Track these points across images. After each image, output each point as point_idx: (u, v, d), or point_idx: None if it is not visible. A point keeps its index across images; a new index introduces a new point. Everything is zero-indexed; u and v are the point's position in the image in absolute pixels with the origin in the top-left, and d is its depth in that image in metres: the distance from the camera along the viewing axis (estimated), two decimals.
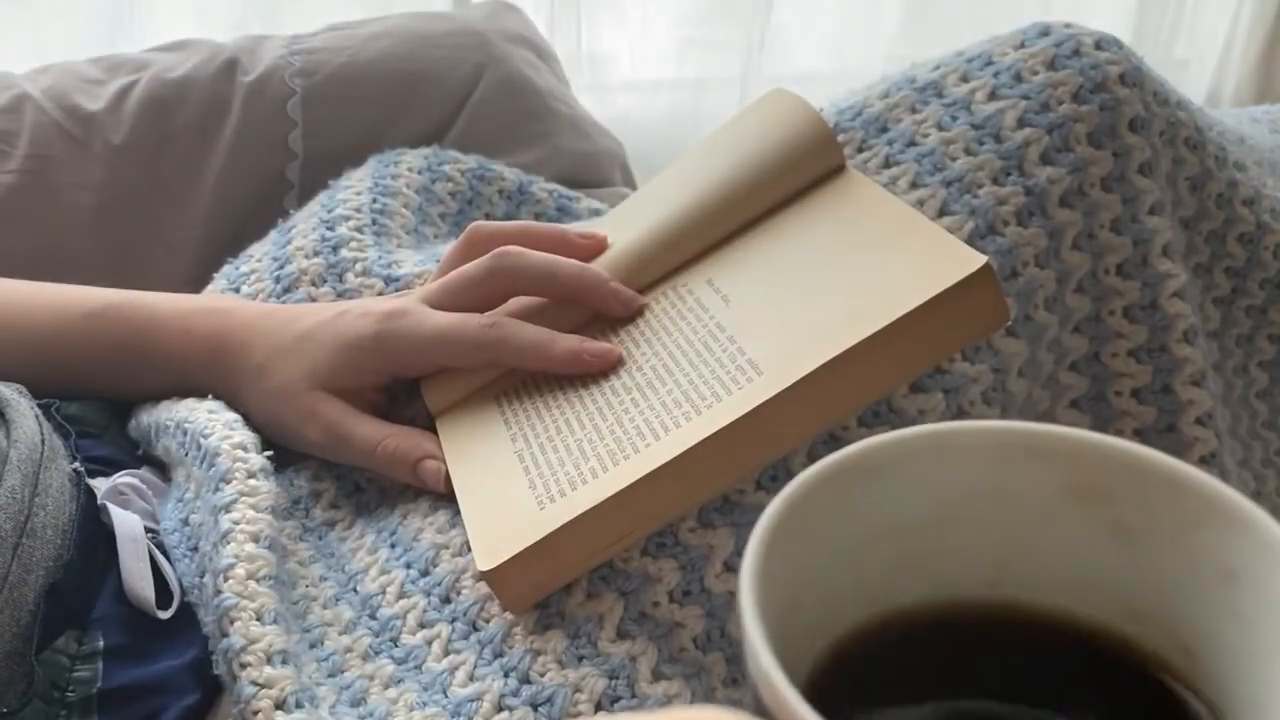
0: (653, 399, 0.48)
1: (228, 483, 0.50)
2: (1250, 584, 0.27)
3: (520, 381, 0.54)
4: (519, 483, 0.48)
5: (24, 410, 0.51)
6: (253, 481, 0.50)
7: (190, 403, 0.57)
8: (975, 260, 0.44)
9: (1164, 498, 0.29)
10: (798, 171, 0.55)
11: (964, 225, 0.52)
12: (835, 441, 0.48)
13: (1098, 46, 0.56)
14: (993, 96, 0.55)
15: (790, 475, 0.31)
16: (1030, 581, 0.32)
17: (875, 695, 0.31)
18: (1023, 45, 0.57)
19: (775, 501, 0.29)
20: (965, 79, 0.57)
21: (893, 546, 0.32)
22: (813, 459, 0.31)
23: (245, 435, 0.53)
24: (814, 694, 0.24)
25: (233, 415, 0.55)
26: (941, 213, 0.53)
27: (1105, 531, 0.31)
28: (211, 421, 0.54)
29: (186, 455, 0.53)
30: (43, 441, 0.50)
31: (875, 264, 0.49)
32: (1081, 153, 0.54)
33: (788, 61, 1.56)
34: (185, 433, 0.54)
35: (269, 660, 0.44)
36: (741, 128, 0.59)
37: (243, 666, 0.44)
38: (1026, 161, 0.53)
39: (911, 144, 0.56)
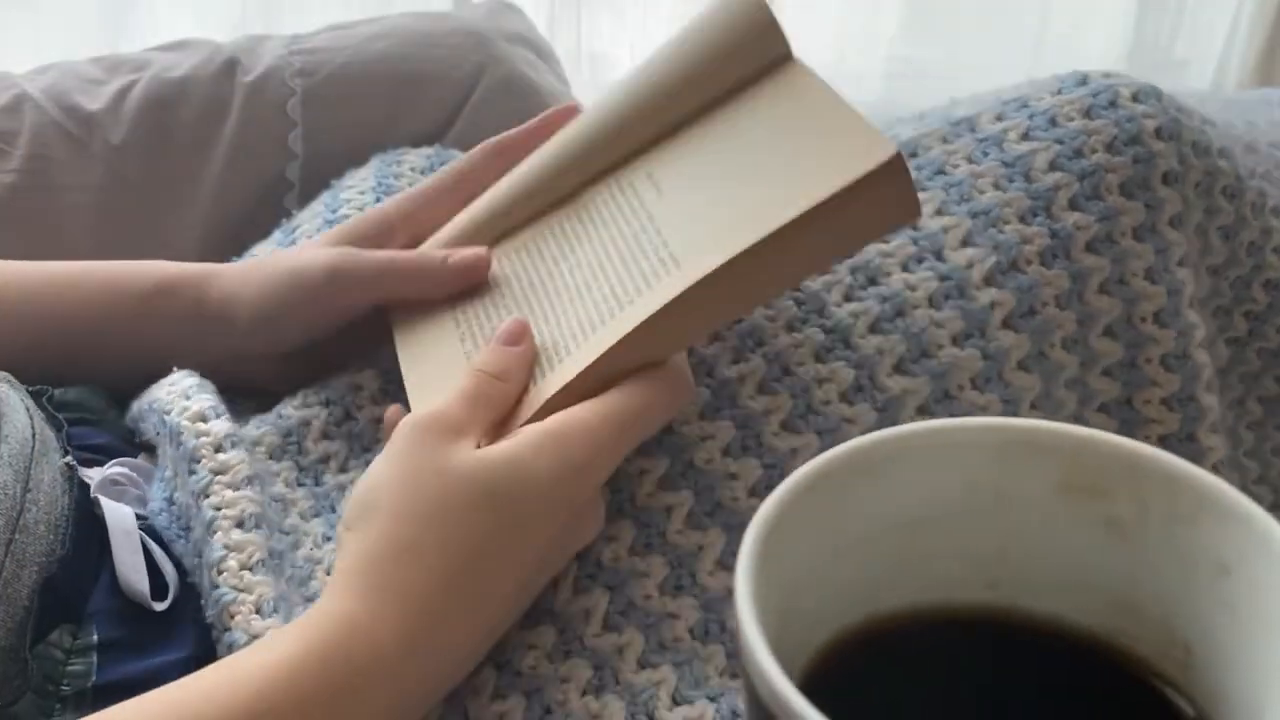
0: (587, 299, 0.50)
1: (198, 462, 0.50)
2: (1244, 578, 0.27)
3: (476, 292, 0.56)
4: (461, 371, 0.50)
5: (14, 403, 0.51)
6: (221, 456, 0.50)
7: (162, 381, 0.56)
8: (884, 152, 0.44)
9: (1158, 494, 0.29)
10: (739, 59, 0.55)
11: (986, 259, 0.53)
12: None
13: (1134, 98, 0.56)
14: (1025, 137, 0.56)
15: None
16: (1026, 579, 0.32)
17: (870, 693, 0.31)
18: (1059, 92, 0.57)
19: (771, 498, 0.29)
20: (1000, 118, 0.57)
21: (890, 543, 0.32)
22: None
23: (201, 402, 0.52)
24: (809, 690, 0.24)
25: (188, 382, 0.54)
26: (965, 243, 0.54)
27: (1100, 528, 0.31)
28: (170, 395, 0.54)
29: (158, 435, 0.54)
30: (33, 435, 0.50)
31: (793, 153, 0.49)
32: (1113, 202, 0.54)
33: None
34: (155, 412, 0.54)
35: None
36: (691, 22, 0.59)
37: None
38: (1055, 205, 0.54)
39: (940, 172, 0.56)
